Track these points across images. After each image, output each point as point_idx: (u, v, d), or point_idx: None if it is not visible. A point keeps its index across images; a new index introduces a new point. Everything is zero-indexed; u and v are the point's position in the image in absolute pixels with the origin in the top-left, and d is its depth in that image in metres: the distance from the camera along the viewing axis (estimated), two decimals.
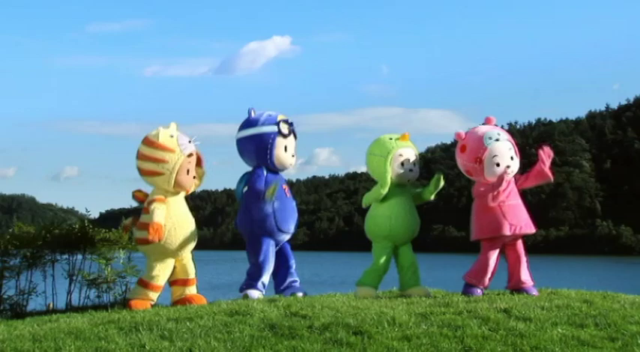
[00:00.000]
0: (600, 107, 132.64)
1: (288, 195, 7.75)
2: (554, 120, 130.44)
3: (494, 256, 7.50)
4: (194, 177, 7.24)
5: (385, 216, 7.62)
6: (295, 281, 7.80)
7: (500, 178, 7.26)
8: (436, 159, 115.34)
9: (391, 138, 7.68)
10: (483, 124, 7.78)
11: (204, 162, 7.42)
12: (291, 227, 7.73)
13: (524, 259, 7.63)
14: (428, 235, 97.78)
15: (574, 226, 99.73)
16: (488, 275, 7.48)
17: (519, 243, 7.69)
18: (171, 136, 7.08)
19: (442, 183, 7.76)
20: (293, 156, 7.73)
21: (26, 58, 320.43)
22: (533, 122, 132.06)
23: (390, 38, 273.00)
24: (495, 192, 7.35)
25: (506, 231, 7.40)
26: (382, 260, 7.60)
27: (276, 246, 7.74)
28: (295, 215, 7.80)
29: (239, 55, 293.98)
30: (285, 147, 7.62)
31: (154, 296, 7.13)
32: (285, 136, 7.60)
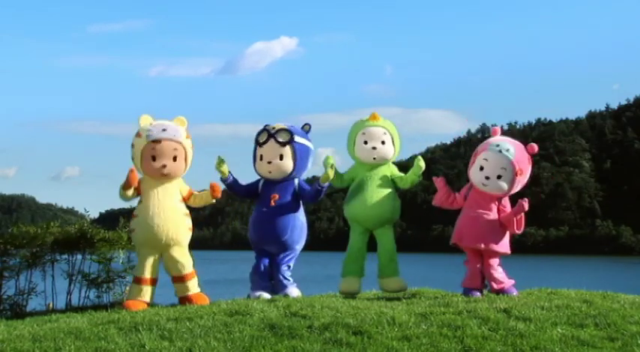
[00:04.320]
0: (600, 107, 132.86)
1: (273, 203, 7.44)
2: (554, 120, 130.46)
3: (474, 259, 7.44)
4: (164, 166, 6.91)
5: (350, 198, 7.74)
6: (282, 283, 7.52)
7: (441, 186, 7.35)
8: (436, 160, 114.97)
9: (361, 119, 7.78)
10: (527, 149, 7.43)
11: (188, 155, 7.14)
12: (262, 235, 7.50)
13: (490, 268, 7.37)
14: (428, 235, 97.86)
15: (574, 226, 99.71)
16: (479, 276, 7.46)
17: (490, 262, 7.37)
18: (150, 123, 7.09)
19: (422, 166, 7.56)
20: (270, 162, 7.41)
21: (27, 58, 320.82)
22: (533, 122, 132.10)
23: (391, 38, 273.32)
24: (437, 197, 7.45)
25: (453, 239, 7.47)
26: (352, 241, 7.68)
27: (270, 254, 7.62)
28: (271, 224, 7.42)
29: (244, 55, 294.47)
30: (261, 156, 7.49)
31: (146, 291, 7.02)
32: (261, 145, 7.47)
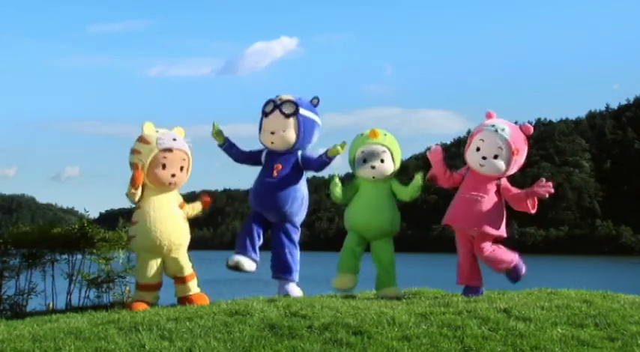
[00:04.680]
0: (600, 107, 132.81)
1: (275, 174, 7.47)
2: (554, 120, 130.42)
3: (463, 250, 7.40)
4: (173, 176, 6.96)
5: (350, 209, 7.74)
6: (282, 277, 7.55)
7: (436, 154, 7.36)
8: None
9: (362, 135, 7.73)
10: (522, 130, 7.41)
11: (190, 166, 7.18)
12: (263, 204, 7.51)
13: (483, 252, 7.29)
14: (428, 235, 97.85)
15: (574, 226, 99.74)
16: (476, 270, 7.43)
17: (481, 245, 7.31)
18: (157, 131, 7.08)
19: (419, 183, 7.53)
20: (273, 133, 7.43)
21: (27, 58, 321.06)
22: (533, 122, 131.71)
23: (391, 38, 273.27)
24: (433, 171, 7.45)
25: (446, 220, 7.39)
26: (348, 241, 7.67)
27: (268, 223, 7.65)
28: (272, 194, 7.44)
29: (244, 55, 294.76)
30: (265, 127, 7.49)
31: (149, 295, 7.07)
32: (266, 115, 7.48)
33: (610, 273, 43.23)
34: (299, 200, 7.61)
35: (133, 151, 7.07)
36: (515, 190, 7.33)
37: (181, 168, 7.06)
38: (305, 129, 7.50)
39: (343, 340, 5.17)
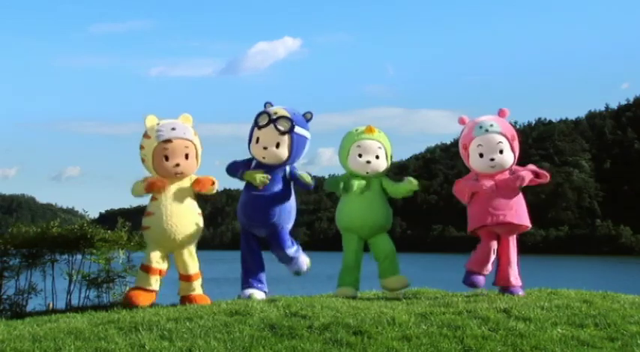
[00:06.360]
0: (600, 107, 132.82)
1: (261, 187, 7.29)
2: (554, 120, 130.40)
3: (492, 244, 7.40)
4: (177, 165, 6.94)
5: (344, 208, 7.76)
6: (255, 284, 7.50)
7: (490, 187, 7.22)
8: (436, 160, 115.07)
9: (356, 130, 7.72)
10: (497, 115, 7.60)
11: (198, 152, 7.15)
12: (251, 218, 7.42)
13: (513, 259, 7.44)
14: (428, 235, 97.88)
15: (574, 226, 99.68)
16: (490, 262, 7.44)
17: (512, 240, 7.47)
18: (157, 123, 7.08)
19: (415, 187, 7.53)
20: (265, 148, 7.26)
21: (28, 58, 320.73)
22: (533, 122, 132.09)
23: (392, 39, 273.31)
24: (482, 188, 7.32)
25: (487, 221, 7.27)
26: (348, 255, 7.69)
27: (259, 237, 7.60)
28: (260, 208, 7.34)
29: (247, 55, 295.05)
30: (257, 139, 7.33)
31: (153, 280, 7.00)
32: (260, 127, 7.30)
33: (610, 273, 43.26)
34: (287, 210, 7.53)
35: (140, 147, 7.11)
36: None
37: (186, 156, 7.02)
38: (297, 146, 7.40)
39: (343, 340, 5.17)
